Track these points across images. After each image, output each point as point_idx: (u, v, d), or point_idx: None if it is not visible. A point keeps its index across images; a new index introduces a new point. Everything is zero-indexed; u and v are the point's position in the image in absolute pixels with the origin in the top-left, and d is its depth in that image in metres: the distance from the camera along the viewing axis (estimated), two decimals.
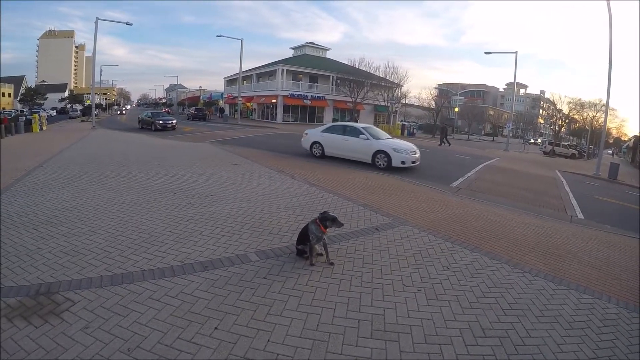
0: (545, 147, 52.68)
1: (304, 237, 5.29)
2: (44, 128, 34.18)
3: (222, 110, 70.81)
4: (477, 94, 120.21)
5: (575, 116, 68.82)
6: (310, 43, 69.71)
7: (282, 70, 56.49)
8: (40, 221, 6.77)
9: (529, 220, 8.96)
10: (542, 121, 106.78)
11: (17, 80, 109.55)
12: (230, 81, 74.15)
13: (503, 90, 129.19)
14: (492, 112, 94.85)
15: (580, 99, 65.73)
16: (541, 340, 3.92)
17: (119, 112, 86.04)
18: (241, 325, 3.80)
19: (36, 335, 3.56)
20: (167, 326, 3.73)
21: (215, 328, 3.73)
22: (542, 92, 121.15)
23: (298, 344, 3.56)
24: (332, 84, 59.56)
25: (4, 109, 79.87)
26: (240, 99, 50.41)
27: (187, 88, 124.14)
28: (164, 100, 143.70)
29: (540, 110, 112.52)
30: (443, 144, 36.12)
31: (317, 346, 3.56)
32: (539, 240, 7.45)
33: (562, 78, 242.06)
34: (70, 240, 5.87)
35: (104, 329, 3.67)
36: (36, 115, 35.78)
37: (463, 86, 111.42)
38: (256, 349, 3.47)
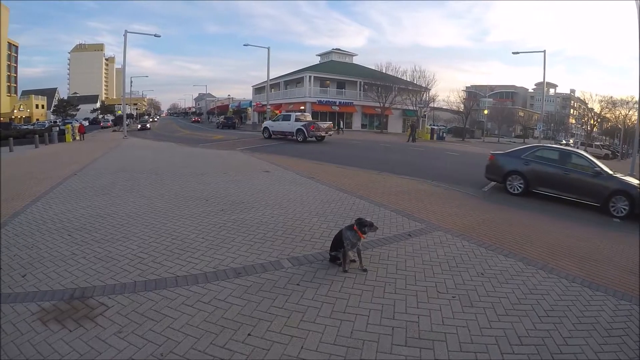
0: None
1: (337, 243, 5.24)
2: (77, 138, 35.15)
3: (241, 118, 71.56)
4: (506, 95, 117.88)
5: (607, 115, 67.20)
6: (336, 49, 69.95)
7: (310, 77, 56.84)
8: (74, 228, 6.94)
9: (563, 224, 8.73)
10: (574, 121, 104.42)
11: (49, 93, 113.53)
12: (259, 89, 74.85)
13: (532, 91, 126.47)
14: (521, 114, 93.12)
15: (611, 97, 64.26)
16: (579, 349, 3.77)
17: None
18: (274, 331, 3.77)
19: (70, 339, 3.62)
20: (201, 332, 3.73)
21: (249, 334, 3.71)
22: (572, 91, 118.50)
23: (332, 351, 3.51)
24: (360, 90, 59.66)
25: (37, 120, 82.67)
26: (268, 106, 50.88)
27: (215, 97, 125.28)
28: (194, 110, 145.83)
29: (571, 110, 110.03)
30: (410, 140, 38.56)
31: (351, 353, 3.49)
32: (574, 244, 7.25)
33: (593, 75, 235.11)
34: (104, 246, 5.98)
35: (137, 334, 3.70)
36: (69, 125, 36.85)
37: (491, 87, 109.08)
38: (290, 355, 3.43)
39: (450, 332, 3.88)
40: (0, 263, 5.40)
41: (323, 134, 29.64)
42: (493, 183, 14.07)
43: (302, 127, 28.84)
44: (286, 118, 31.51)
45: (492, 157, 13.52)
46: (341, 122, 51.34)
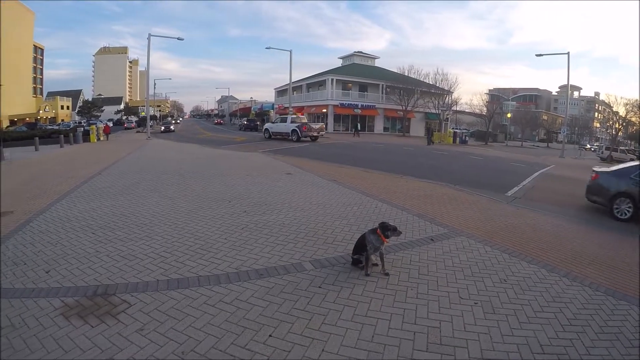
0: (602, 152, 50.02)
1: (360, 246, 5.24)
2: (101, 139, 35.86)
3: (263, 120, 71.96)
4: (530, 98, 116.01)
5: (633, 118, 65.41)
6: (358, 52, 69.90)
7: (332, 80, 56.88)
8: (98, 226, 7.08)
9: (588, 231, 8.54)
10: (598, 125, 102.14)
11: (74, 94, 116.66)
12: (281, 92, 75.19)
13: (556, 94, 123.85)
14: (545, 117, 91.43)
15: (637, 100, 62.54)
16: (601, 359, 3.69)
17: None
18: (296, 333, 3.78)
19: (92, 335, 3.70)
20: (222, 331, 3.77)
21: (270, 335, 3.73)
22: (597, 93, 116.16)
23: (353, 355, 3.49)
24: (382, 93, 59.50)
25: (62, 120, 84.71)
26: (291, 109, 51.11)
27: (238, 99, 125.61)
28: (216, 112, 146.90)
29: (596, 114, 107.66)
30: (431, 143, 39.34)
31: (372, 357, 3.48)
32: (598, 252, 7.07)
33: (618, 77, 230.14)
34: (128, 244, 6.08)
35: (159, 332, 3.75)
36: (93, 126, 37.61)
37: (515, 90, 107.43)
38: (310, 357, 3.43)
39: (472, 339, 3.83)
40: (0, 261, 5.56)
41: (315, 134, 33.05)
42: (517, 188, 13.88)
43: (296, 128, 32.39)
44: (283, 120, 35.49)
45: (595, 176, 11.59)
46: (358, 125, 51.83)
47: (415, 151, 28.39)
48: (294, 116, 37.35)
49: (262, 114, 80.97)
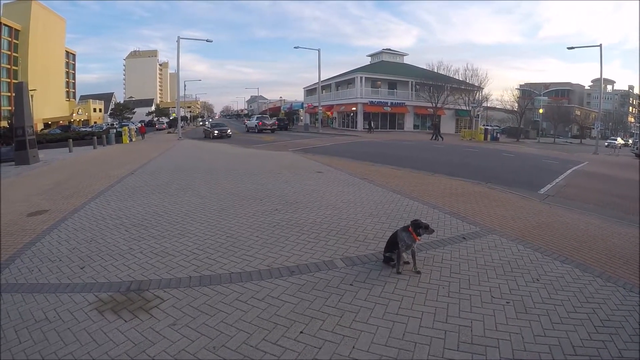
0: (636, 148, 48.01)
1: (392, 244, 5.20)
2: (134, 139, 36.73)
3: (293, 119, 72.42)
4: (562, 93, 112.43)
5: None
6: (386, 49, 69.54)
7: (361, 78, 56.81)
8: (131, 224, 7.27)
9: (623, 231, 8.24)
10: (633, 120, 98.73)
11: (106, 97, 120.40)
12: (310, 91, 75.32)
13: (589, 88, 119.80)
14: (578, 112, 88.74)
15: None
16: None
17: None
18: (327, 330, 3.78)
19: (125, 329, 3.79)
20: (253, 327, 3.80)
21: (301, 332, 3.74)
22: (631, 87, 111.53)
23: (383, 352, 3.48)
24: (412, 90, 59.02)
25: (95, 122, 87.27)
26: (320, 108, 51.34)
27: (267, 99, 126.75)
28: (246, 112, 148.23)
29: (630, 108, 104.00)
30: (437, 138, 39.61)
31: (403, 355, 3.45)
32: (634, 252, 6.82)
33: None
34: (161, 242, 6.22)
35: (191, 327, 3.81)
36: (126, 127, 38.57)
37: (546, 85, 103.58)
38: (341, 355, 3.43)
39: (504, 339, 3.76)
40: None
41: (269, 128, 47.52)
42: (549, 185, 13.58)
43: (256, 123, 48.17)
44: (252, 118, 53.82)
45: None
46: (372, 123, 52.36)
47: (446, 149, 28.08)
48: (259, 115, 57.60)
49: (292, 113, 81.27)
